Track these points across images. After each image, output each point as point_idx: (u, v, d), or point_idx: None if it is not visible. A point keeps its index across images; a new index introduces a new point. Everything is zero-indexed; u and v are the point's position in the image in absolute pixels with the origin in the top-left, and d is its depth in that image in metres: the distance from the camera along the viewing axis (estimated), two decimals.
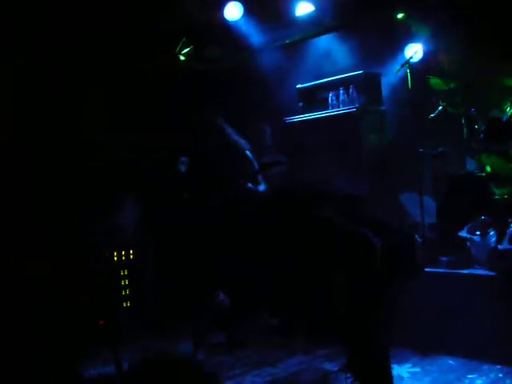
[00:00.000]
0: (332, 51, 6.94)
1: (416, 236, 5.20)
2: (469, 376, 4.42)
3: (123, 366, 4.67)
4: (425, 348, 4.89)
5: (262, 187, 5.15)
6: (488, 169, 5.70)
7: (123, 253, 6.41)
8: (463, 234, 5.12)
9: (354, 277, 3.28)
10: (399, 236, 3.50)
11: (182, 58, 7.34)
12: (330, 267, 3.53)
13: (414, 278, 3.60)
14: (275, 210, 4.42)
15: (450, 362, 4.71)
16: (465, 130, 5.87)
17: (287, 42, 7.40)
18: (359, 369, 3.37)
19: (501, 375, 4.40)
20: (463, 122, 5.89)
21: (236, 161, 5.14)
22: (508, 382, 4.29)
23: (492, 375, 4.41)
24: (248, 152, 5.22)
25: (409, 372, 4.55)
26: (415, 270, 3.63)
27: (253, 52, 7.19)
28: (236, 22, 7.09)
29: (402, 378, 4.45)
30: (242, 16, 7.03)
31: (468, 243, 5.08)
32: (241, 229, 5.16)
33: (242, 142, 5.24)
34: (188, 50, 7.27)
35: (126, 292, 6.44)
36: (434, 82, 6.21)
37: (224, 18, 7.05)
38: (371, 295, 3.27)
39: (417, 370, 4.59)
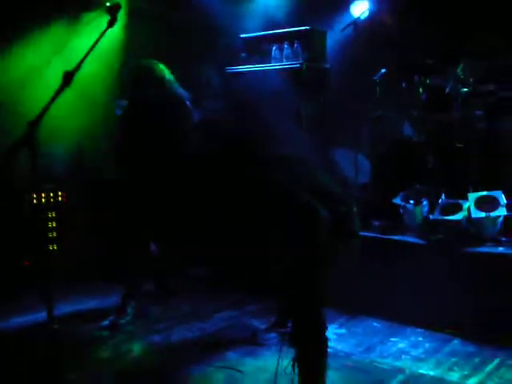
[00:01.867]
0: (279, 3, 6.78)
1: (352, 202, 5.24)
2: (392, 339, 4.56)
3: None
4: (351, 309, 5.02)
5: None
6: (425, 136, 5.78)
7: (51, 194, 6.24)
8: (397, 200, 5.20)
9: (296, 248, 3.28)
10: (340, 201, 3.49)
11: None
12: (268, 229, 3.50)
13: (350, 243, 3.61)
14: (216, 164, 4.35)
15: (375, 324, 4.85)
16: (405, 96, 5.91)
17: None
18: (296, 335, 3.40)
19: (421, 338, 4.57)
20: (404, 87, 5.92)
21: (176, 111, 4.99)
22: (427, 345, 4.46)
23: (413, 338, 4.57)
24: (188, 103, 5.08)
25: (335, 333, 4.65)
26: (353, 236, 3.64)
27: None
28: None
29: (328, 339, 4.55)
30: None
31: (401, 210, 5.18)
32: (176, 178, 5.09)
33: (183, 91, 5.09)
34: None
35: (53, 234, 6.29)
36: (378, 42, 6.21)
37: None
38: (312, 266, 3.29)
39: (343, 331, 4.71)
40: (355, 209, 5.11)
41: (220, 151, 4.14)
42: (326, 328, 3.40)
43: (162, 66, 5.05)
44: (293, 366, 3.36)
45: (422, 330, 4.68)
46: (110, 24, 3.19)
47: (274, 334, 4.48)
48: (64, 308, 5.17)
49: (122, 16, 5.91)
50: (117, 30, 6.31)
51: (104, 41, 3.22)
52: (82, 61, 3.10)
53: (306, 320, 3.35)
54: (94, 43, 3.14)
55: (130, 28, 6.49)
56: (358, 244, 3.62)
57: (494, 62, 5.70)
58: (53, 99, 3.01)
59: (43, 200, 6.16)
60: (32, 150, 2.94)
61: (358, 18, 6.12)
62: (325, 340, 3.41)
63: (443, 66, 5.84)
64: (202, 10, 6.82)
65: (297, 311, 3.35)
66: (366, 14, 6.30)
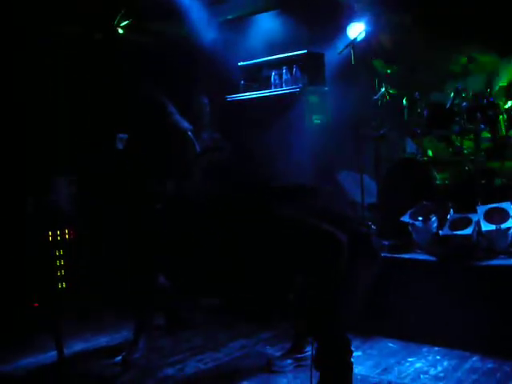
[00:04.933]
0: (276, 29, 6.83)
1: (370, 223, 5.22)
2: (409, 359, 4.48)
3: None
4: (365, 331, 4.94)
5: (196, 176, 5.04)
6: (429, 153, 5.77)
7: (58, 233, 6.22)
8: (405, 218, 5.16)
9: (320, 276, 3.25)
10: (356, 225, 3.47)
11: (120, 31, 7.08)
12: (287, 258, 3.47)
13: (373, 266, 3.58)
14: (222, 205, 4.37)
15: (391, 344, 4.77)
16: (407, 113, 5.90)
17: (230, 17, 7.24)
18: (321, 359, 3.35)
19: (439, 357, 4.48)
20: (405, 104, 5.91)
21: (177, 142, 4.99)
22: (446, 363, 4.37)
23: (430, 357, 4.49)
24: (190, 133, 5.08)
25: None
26: (374, 258, 3.61)
27: (195, 27, 7.00)
28: None
29: (353, 363, 4.48)
30: None
31: (410, 228, 5.13)
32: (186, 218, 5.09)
33: (185, 123, 5.09)
34: (127, 22, 7.02)
35: (61, 273, 6.27)
36: (377, 63, 6.22)
37: None
38: (336, 293, 3.26)
39: (359, 353, 4.62)
40: (373, 228, 5.12)
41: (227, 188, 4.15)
42: (352, 352, 3.34)
43: (164, 98, 5.06)
44: None
45: (439, 348, 4.60)
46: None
47: (289, 361, 4.41)
48: (75, 346, 5.14)
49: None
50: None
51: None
52: None
53: (330, 344, 3.30)
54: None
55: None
56: (379, 263, 3.58)
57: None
58: None
59: (50, 238, 6.15)
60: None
61: (355, 39, 6.14)
62: (350, 364, 3.36)
63: (443, 81, 5.85)
64: (199, 40, 6.90)
65: (322, 335, 3.29)
66: (363, 35, 6.32)
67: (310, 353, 3.59)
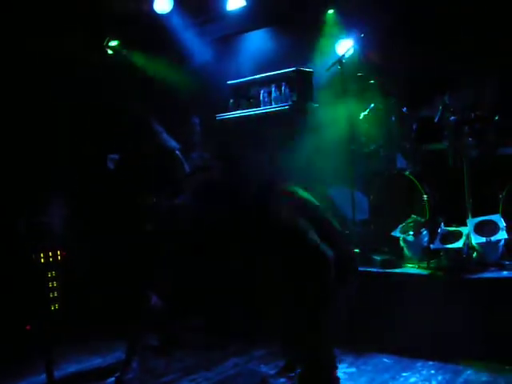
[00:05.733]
0: (264, 47, 6.88)
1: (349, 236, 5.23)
2: (403, 374, 4.47)
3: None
4: (359, 347, 4.93)
5: (185, 196, 5.03)
6: (419, 167, 5.77)
7: (50, 254, 6.20)
8: (396, 233, 5.17)
9: (305, 289, 3.24)
10: (344, 240, 3.49)
11: (109, 51, 7.12)
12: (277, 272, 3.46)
13: (354, 281, 3.58)
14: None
15: (385, 360, 4.75)
16: (396, 129, 5.92)
17: (218, 36, 7.29)
18: (305, 375, 3.32)
19: (433, 371, 4.47)
20: (394, 120, 5.93)
21: (164, 161, 5.00)
22: (440, 377, 4.36)
23: (425, 372, 4.48)
24: (178, 153, 5.10)
25: (345, 373, 4.55)
26: (354, 273, 3.62)
27: (185, 48, 7.04)
28: (166, 14, 6.90)
29: (339, 378, 4.45)
30: (173, 9, 6.86)
31: (401, 242, 5.14)
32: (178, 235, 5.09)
33: (173, 142, 5.10)
34: (116, 43, 7.07)
35: (53, 294, 6.24)
36: (366, 79, 6.25)
37: (153, 11, 6.85)
38: (321, 307, 3.25)
39: (353, 370, 4.62)
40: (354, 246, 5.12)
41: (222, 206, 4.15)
42: (336, 368, 3.31)
43: (152, 118, 5.08)
44: None
45: (434, 363, 4.59)
46: None
47: (283, 380, 4.37)
48: (68, 367, 5.12)
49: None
50: None
51: None
52: None
53: (313, 361, 3.27)
54: None
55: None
56: (357, 280, 3.58)
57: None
58: None
59: (42, 260, 6.12)
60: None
61: (343, 56, 6.16)
62: (335, 380, 3.32)
63: (430, 95, 5.87)
64: (188, 61, 6.94)
65: (304, 353, 3.27)
66: (351, 51, 6.35)
67: None
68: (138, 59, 7.12)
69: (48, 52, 6.45)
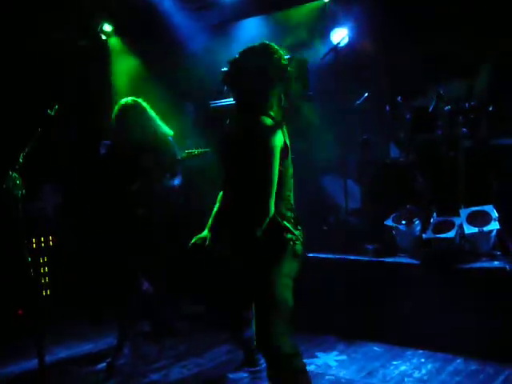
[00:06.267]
0: (259, 35, 6.82)
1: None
2: (393, 362, 4.49)
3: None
4: (350, 335, 4.96)
5: (177, 180, 5.01)
6: (412, 157, 5.78)
7: (42, 239, 6.20)
8: (389, 222, 5.18)
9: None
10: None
11: (103, 37, 7.08)
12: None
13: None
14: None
15: (376, 348, 4.78)
16: (390, 118, 5.92)
17: (213, 23, 7.24)
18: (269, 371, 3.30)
19: (423, 360, 4.50)
20: (388, 109, 5.94)
21: (158, 147, 4.97)
22: (430, 366, 4.39)
23: (415, 360, 4.51)
24: (171, 138, 5.08)
25: (336, 360, 4.59)
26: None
27: (179, 33, 6.99)
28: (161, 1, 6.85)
29: (329, 366, 4.49)
30: None
31: (393, 232, 5.15)
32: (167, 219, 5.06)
33: (165, 127, 5.08)
34: (110, 29, 7.02)
35: (45, 280, 6.24)
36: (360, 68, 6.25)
37: None
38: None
39: (343, 357, 4.64)
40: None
41: None
42: (298, 355, 3.22)
43: (145, 104, 5.05)
44: None
45: (424, 351, 4.62)
46: None
47: (245, 374, 4.34)
48: (59, 352, 5.12)
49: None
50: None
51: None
52: None
53: (271, 351, 3.19)
54: None
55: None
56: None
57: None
58: None
59: (34, 245, 6.12)
60: None
61: (338, 44, 6.15)
62: (299, 366, 3.23)
63: (425, 85, 5.88)
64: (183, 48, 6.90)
65: (261, 343, 3.21)
66: (346, 40, 6.34)
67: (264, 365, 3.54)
68: (131, 44, 7.07)
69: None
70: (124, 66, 7.02)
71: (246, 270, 3.23)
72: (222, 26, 7.21)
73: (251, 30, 7.04)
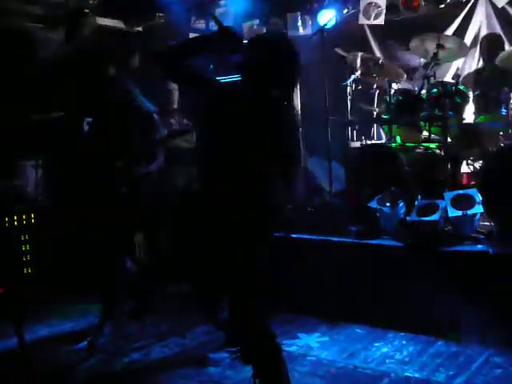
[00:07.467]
0: (246, 13, 6.78)
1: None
2: (375, 344, 4.50)
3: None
4: (333, 317, 4.95)
5: (155, 164, 4.96)
6: (398, 139, 5.78)
7: (24, 217, 6.11)
8: (373, 204, 5.17)
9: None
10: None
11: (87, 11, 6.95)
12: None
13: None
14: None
15: (358, 330, 4.78)
16: (376, 100, 5.91)
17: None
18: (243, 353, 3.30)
19: (404, 342, 4.52)
20: (374, 91, 5.92)
21: (142, 125, 4.92)
22: (411, 348, 4.41)
23: (396, 342, 4.52)
24: (155, 116, 5.02)
25: (318, 342, 4.59)
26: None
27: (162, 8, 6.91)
28: None
29: (311, 347, 4.49)
30: None
31: (377, 214, 5.14)
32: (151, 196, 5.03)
33: (149, 105, 5.02)
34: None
35: (26, 258, 6.16)
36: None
37: None
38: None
39: (325, 339, 4.64)
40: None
41: None
42: (273, 336, 3.23)
43: (129, 80, 4.99)
44: (254, 382, 3.24)
45: (406, 334, 4.63)
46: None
47: (226, 354, 4.33)
48: (40, 331, 5.07)
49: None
50: None
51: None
52: None
53: (249, 331, 3.20)
54: None
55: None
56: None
57: None
58: None
59: (15, 223, 6.03)
60: None
61: (325, 25, 6.10)
62: (276, 347, 3.24)
63: (411, 68, 5.87)
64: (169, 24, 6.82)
65: (236, 325, 3.21)
66: (333, 21, 6.31)
67: None
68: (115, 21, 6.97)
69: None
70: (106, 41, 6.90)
71: (229, 246, 3.20)
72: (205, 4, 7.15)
73: (235, 9, 6.98)
